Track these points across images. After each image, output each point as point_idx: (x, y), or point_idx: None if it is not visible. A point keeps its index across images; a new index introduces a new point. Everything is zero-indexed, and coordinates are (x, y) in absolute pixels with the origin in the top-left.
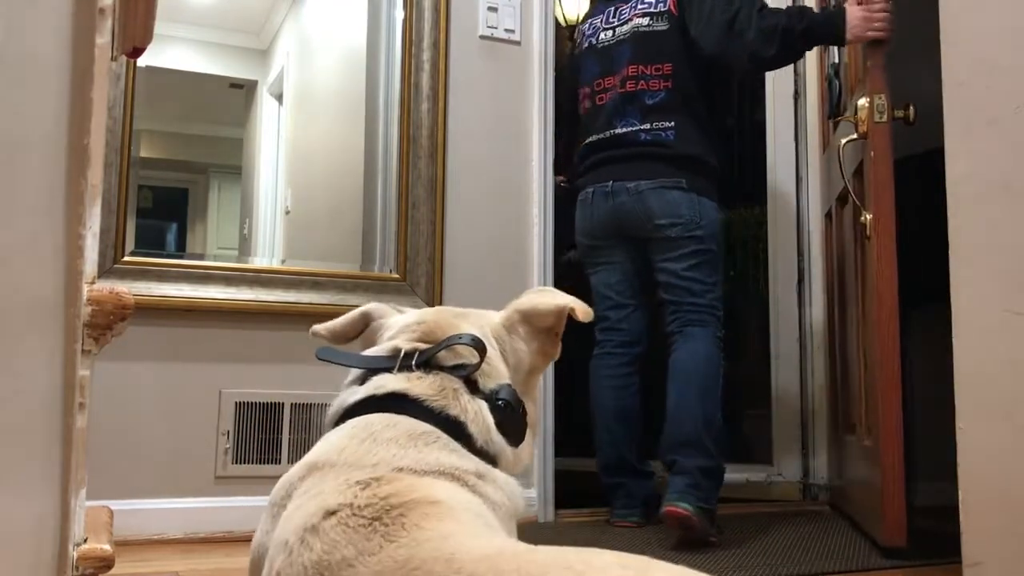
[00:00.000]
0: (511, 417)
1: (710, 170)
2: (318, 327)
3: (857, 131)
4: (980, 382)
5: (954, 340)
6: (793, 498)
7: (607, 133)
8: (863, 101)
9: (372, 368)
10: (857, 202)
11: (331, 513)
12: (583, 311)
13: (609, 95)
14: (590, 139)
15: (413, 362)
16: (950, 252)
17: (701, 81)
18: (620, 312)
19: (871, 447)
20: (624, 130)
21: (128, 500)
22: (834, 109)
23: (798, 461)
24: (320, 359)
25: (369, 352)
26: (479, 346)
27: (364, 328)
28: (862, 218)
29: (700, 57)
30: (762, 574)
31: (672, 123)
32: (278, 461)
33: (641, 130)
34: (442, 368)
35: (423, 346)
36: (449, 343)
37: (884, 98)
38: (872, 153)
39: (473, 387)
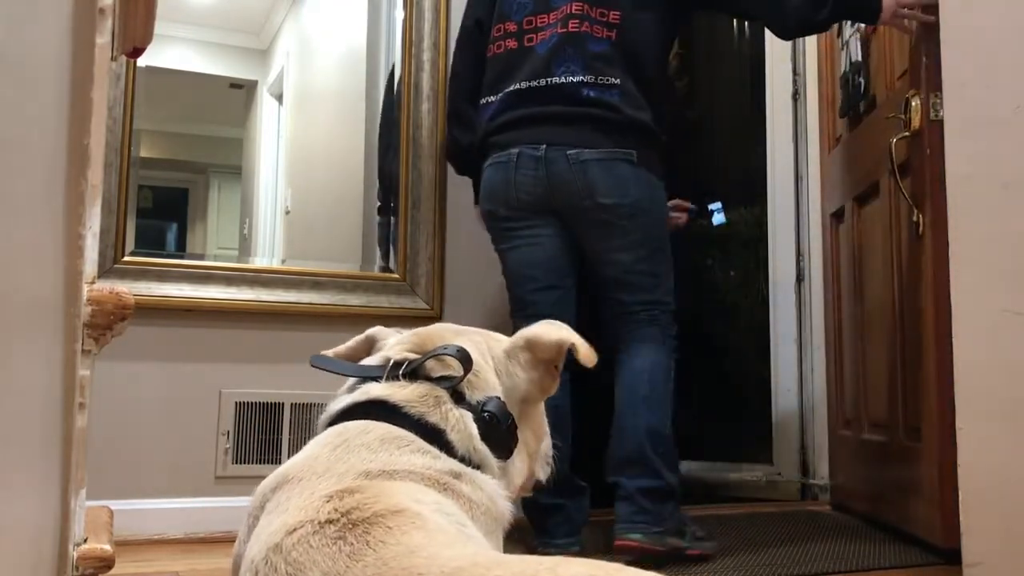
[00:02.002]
0: (496, 429)
1: (659, 143)
2: (323, 354)
3: (908, 129)
4: (980, 382)
5: (954, 340)
6: (793, 498)
7: (542, 81)
8: (916, 99)
9: (363, 377)
10: (909, 200)
11: (293, 531)
12: (585, 352)
13: (542, 36)
14: (515, 86)
15: (401, 371)
16: (950, 252)
17: (649, 43)
18: (549, 295)
19: (918, 448)
20: (564, 80)
21: (128, 500)
22: (853, 107)
23: (798, 461)
24: (313, 366)
25: (363, 362)
26: (464, 357)
27: (368, 351)
28: (914, 217)
29: (650, 16)
30: (763, 574)
31: (617, 80)
32: (278, 461)
33: (584, 83)
34: (429, 379)
35: (413, 356)
36: (435, 353)
37: (939, 96)
38: (928, 151)
39: (459, 398)
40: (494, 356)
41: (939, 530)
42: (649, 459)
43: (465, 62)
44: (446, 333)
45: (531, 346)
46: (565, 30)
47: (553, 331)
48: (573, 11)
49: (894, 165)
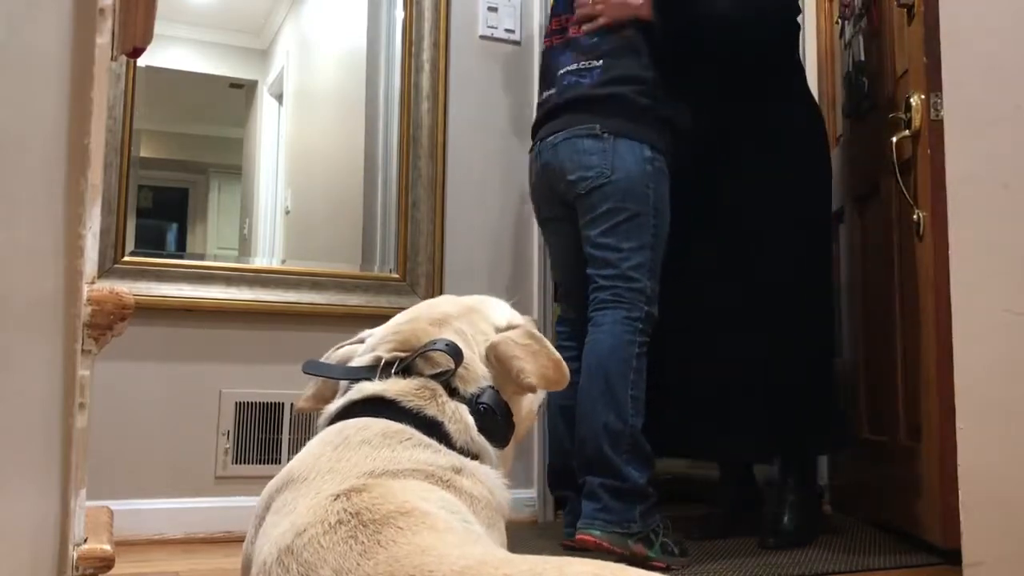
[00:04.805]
0: (493, 420)
1: (639, 108)
2: (301, 403)
3: (909, 129)
4: (980, 382)
5: (954, 340)
6: None
7: (552, 88)
8: (917, 98)
9: (356, 379)
10: (910, 200)
11: (303, 531)
12: (545, 381)
13: (560, 39)
14: (542, 96)
15: (393, 370)
16: (950, 252)
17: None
18: (567, 300)
19: (918, 448)
20: (558, 74)
21: (128, 500)
22: (855, 107)
23: None
24: (306, 372)
25: (352, 363)
26: (454, 351)
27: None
28: (914, 216)
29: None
30: (763, 574)
31: (600, 61)
32: (278, 461)
33: (568, 72)
34: (421, 375)
35: (402, 354)
36: (425, 350)
37: (940, 96)
38: (928, 151)
39: (452, 392)
40: (478, 349)
41: (939, 530)
42: (609, 459)
43: None
44: (426, 325)
45: (500, 359)
46: (566, 37)
47: (521, 356)
48: (572, 19)
49: (895, 165)
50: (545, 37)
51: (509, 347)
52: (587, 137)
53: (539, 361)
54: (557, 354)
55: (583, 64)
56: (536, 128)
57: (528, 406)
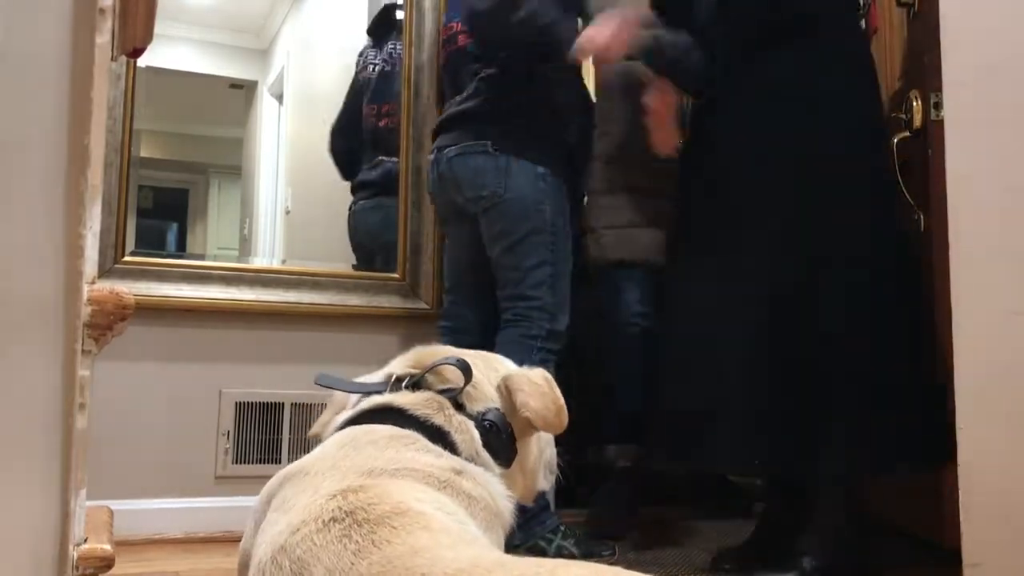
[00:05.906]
0: (498, 437)
1: (532, 125)
2: (317, 428)
3: (909, 129)
4: (980, 382)
5: (954, 340)
6: None
7: (454, 98)
8: (917, 99)
9: (367, 392)
10: (910, 200)
11: (297, 530)
12: (544, 421)
13: (452, 48)
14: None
15: (404, 385)
16: (950, 252)
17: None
18: (453, 292)
19: None
20: (460, 90)
21: (128, 500)
22: None
23: None
24: (318, 385)
25: (365, 379)
26: (464, 367)
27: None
28: (914, 216)
29: None
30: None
31: (493, 70)
32: (278, 461)
33: (467, 81)
34: (430, 390)
35: (415, 371)
36: (436, 364)
37: (940, 96)
38: (931, 152)
39: (459, 408)
40: (490, 379)
41: (939, 530)
42: None
43: None
44: (446, 352)
45: (510, 393)
46: (457, 46)
47: (526, 390)
48: (461, 27)
49: (895, 165)
50: (442, 45)
51: (520, 381)
52: (480, 154)
53: (543, 401)
54: (562, 401)
55: (482, 72)
56: (435, 134)
57: (536, 452)
